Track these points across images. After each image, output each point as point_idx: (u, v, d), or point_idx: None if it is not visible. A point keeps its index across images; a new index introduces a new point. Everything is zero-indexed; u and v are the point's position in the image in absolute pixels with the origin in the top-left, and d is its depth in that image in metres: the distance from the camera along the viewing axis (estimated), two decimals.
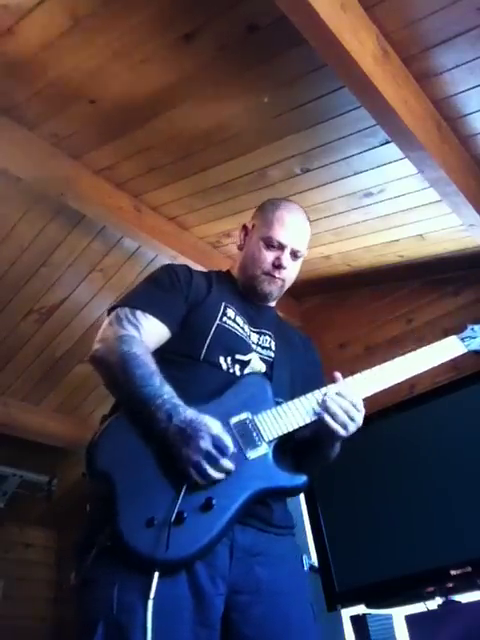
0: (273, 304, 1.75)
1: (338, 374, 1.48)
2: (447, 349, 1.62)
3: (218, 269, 1.82)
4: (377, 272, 3.27)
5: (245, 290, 1.67)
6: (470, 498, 2.49)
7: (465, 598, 2.45)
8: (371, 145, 2.37)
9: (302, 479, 1.40)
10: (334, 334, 3.46)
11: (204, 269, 2.29)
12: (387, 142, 2.31)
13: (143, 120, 2.31)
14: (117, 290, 3.17)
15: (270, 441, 1.38)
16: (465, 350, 1.63)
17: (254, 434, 1.37)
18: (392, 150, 2.33)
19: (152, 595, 1.18)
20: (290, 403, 1.43)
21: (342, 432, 1.41)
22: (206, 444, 1.26)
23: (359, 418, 1.42)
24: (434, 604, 2.49)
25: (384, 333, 3.29)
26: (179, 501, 1.24)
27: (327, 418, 1.40)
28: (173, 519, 1.22)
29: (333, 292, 3.57)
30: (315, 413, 1.41)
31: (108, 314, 1.53)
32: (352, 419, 1.41)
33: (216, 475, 1.28)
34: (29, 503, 4.22)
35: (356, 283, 3.41)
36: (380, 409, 2.93)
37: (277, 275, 1.63)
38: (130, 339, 1.41)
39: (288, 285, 1.70)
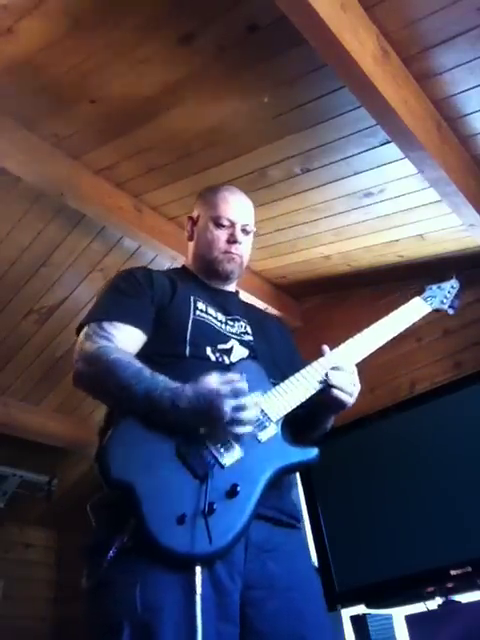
0: (234, 289, 1.77)
1: (325, 347, 1.53)
2: (414, 311, 1.70)
3: (173, 267, 1.85)
4: (377, 272, 3.27)
5: (206, 277, 1.69)
6: (470, 498, 2.49)
7: (465, 598, 2.45)
8: (371, 145, 2.37)
9: (314, 452, 1.42)
10: (334, 334, 3.42)
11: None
12: (387, 142, 2.31)
13: (143, 120, 2.32)
14: None
15: (277, 420, 1.40)
16: (430, 309, 1.73)
17: (261, 416, 1.38)
18: (392, 150, 2.33)
19: (199, 591, 1.18)
20: (288, 381, 1.46)
21: (351, 401, 1.48)
22: (225, 405, 1.26)
23: (359, 385, 1.50)
24: (434, 604, 2.49)
25: None
26: (207, 491, 1.24)
27: (336, 392, 1.45)
28: (206, 510, 1.22)
29: (333, 292, 3.57)
30: (319, 386, 1.46)
31: (77, 333, 1.51)
32: (354, 385, 1.49)
33: (253, 417, 1.30)
34: (29, 503, 4.22)
35: (356, 283, 3.41)
36: (380, 409, 2.94)
37: (234, 251, 1.66)
38: (107, 349, 1.40)
39: (245, 263, 1.73)
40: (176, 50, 2.03)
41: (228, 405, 1.26)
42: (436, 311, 1.75)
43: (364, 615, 2.59)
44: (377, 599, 2.68)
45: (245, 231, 1.69)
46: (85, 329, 1.49)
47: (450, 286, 1.81)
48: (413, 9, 1.88)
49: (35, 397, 3.73)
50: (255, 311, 1.81)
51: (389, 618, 2.66)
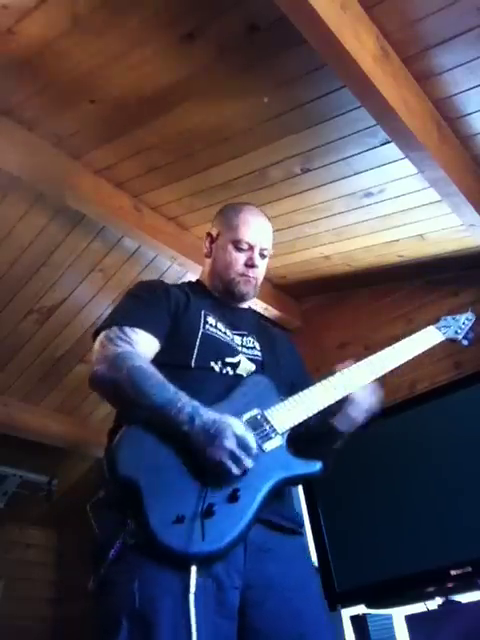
0: (247, 305, 1.81)
1: (339, 366, 1.63)
2: (427, 338, 1.77)
3: (188, 280, 1.89)
4: (377, 272, 3.27)
5: (221, 295, 1.73)
6: (470, 498, 2.49)
7: (465, 598, 2.45)
8: (371, 145, 2.37)
9: (318, 465, 1.46)
10: (334, 334, 3.46)
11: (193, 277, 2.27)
12: (387, 142, 2.31)
13: (143, 120, 2.32)
14: (117, 290, 3.17)
15: (283, 432, 1.44)
16: (443, 338, 1.79)
17: (267, 427, 1.42)
18: (392, 150, 2.33)
19: (193, 589, 1.21)
20: (297, 396, 1.50)
21: (359, 421, 1.61)
22: (231, 443, 1.30)
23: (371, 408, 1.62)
24: (434, 604, 2.49)
25: (384, 333, 3.29)
26: (206, 494, 1.28)
27: (357, 404, 1.57)
28: (204, 511, 1.26)
29: (333, 292, 3.57)
30: (327, 404, 1.51)
31: (94, 337, 1.54)
32: (367, 409, 1.61)
33: (239, 473, 1.32)
34: (29, 503, 4.21)
35: (356, 283, 3.41)
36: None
37: (251, 274, 1.71)
38: (130, 354, 1.44)
39: (259, 284, 1.77)
40: (176, 50, 2.03)
41: (232, 444, 1.30)
42: (450, 341, 1.82)
43: (364, 615, 2.59)
44: (377, 599, 2.68)
45: (262, 255, 1.73)
46: (106, 332, 1.51)
47: (465, 318, 1.87)
48: (413, 9, 1.88)
49: (35, 397, 3.73)
50: (264, 327, 1.86)
51: (389, 618, 2.66)
